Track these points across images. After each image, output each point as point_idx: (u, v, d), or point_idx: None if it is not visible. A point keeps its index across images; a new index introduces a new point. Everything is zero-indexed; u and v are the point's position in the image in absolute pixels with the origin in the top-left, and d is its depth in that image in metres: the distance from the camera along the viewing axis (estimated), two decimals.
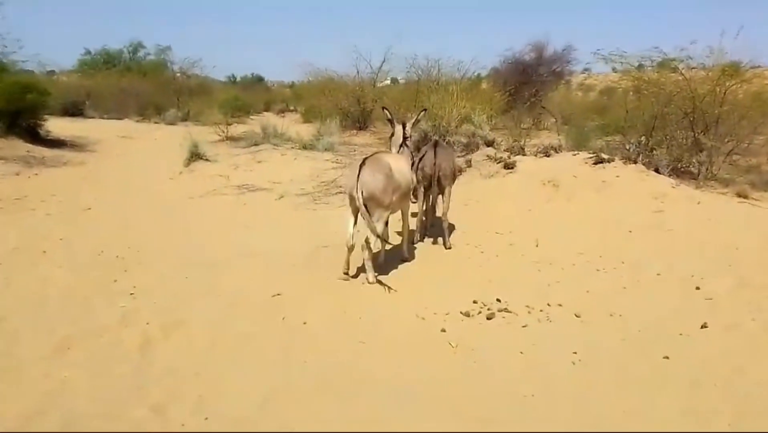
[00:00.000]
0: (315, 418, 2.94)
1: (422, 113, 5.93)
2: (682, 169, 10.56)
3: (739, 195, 8.84)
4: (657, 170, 8.86)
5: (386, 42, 33.16)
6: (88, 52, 29.55)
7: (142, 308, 4.28)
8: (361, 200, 4.62)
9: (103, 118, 21.03)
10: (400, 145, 5.62)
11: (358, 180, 4.66)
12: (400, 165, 5.07)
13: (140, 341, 3.73)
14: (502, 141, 10.48)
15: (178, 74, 27.64)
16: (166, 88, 25.61)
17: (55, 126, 15.13)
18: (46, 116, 14.10)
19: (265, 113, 29.59)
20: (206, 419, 2.86)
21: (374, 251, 5.13)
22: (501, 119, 18.76)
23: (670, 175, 9.62)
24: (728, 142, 10.55)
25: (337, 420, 2.93)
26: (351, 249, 4.89)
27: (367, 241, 4.84)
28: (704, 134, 10.47)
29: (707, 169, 10.42)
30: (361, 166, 4.75)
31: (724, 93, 10.43)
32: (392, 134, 5.74)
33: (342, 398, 3.13)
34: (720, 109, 10.38)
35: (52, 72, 30.47)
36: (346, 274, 4.98)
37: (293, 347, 3.72)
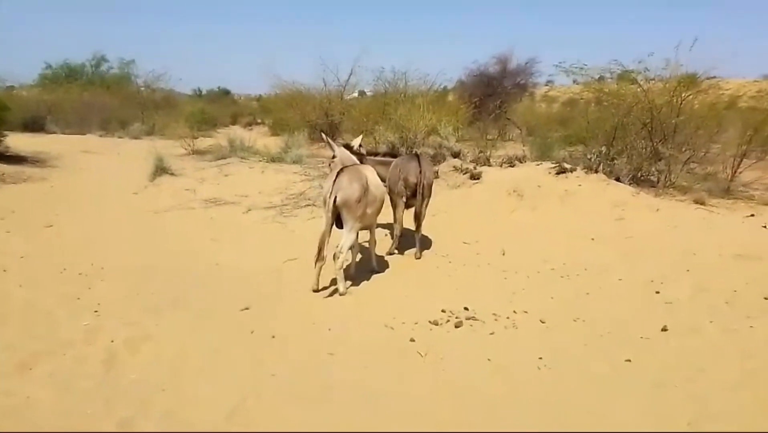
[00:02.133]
0: (283, 427, 2.94)
1: (360, 137, 6.21)
2: (642, 177, 10.86)
3: (696, 202, 9.12)
4: (618, 179, 9.12)
5: (354, 54, 33.21)
6: (49, 66, 28.88)
7: (107, 324, 4.20)
8: (331, 205, 4.67)
9: (65, 133, 20.53)
10: (360, 162, 5.69)
11: (333, 185, 4.72)
12: (376, 180, 5.16)
13: (105, 357, 3.67)
14: (468, 152, 10.65)
15: (143, 88, 27.27)
16: (131, 102, 25.22)
17: (15, 142, 14.70)
18: (5, 132, 13.70)
19: (232, 126, 29.38)
20: None
21: (347, 263, 5.16)
22: (467, 131, 19.05)
23: (630, 184, 9.89)
24: (685, 151, 10.88)
25: (307, 428, 2.93)
26: (323, 261, 4.90)
27: (334, 257, 4.86)
28: (662, 144, 10.80)
29: (666, 178, 10.73)
30: (339, 174, 4.83)
31: (681, 103, 10.80)
32: (333, 157, 5.76)
33: (311, 408, 3.13)
34: (677, 119, 10.72)
35: (11, 87, 29.75)
36: (317, 289, 4.98)
37: (262, 359, 3.71)
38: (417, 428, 2.99)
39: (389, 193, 6.39)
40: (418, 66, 23.93)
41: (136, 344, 3.85)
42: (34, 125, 19.71)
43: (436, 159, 9.45)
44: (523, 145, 15.78)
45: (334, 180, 4.79)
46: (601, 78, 12.57)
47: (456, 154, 9.68)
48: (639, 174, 10.86)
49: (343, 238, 4.85)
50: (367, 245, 5.71)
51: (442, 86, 21.54)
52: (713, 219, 7.60)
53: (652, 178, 10.82)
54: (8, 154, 13.42)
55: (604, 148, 10.63)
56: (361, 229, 5.19)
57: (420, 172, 6.13)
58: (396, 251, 6.37)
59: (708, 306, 4.71)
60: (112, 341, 3.91)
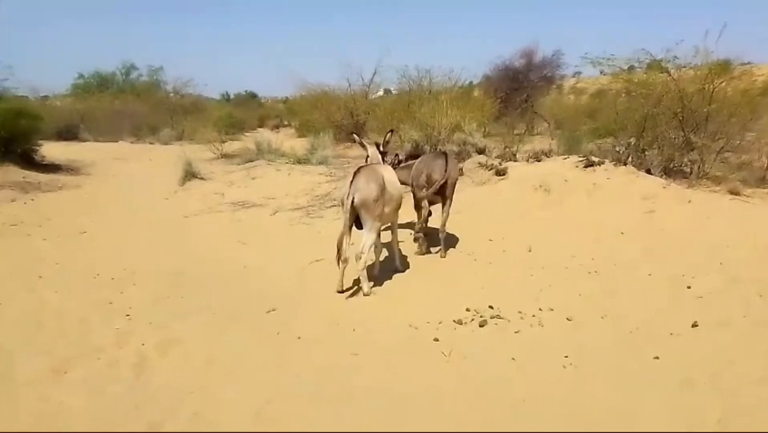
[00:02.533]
0: (309, 427, 2.97)
1: (389, 134, 6.03)
2: (675, 168, 10.63)
3: (731, 192, 8.89)
4: (648, 171, 8.94)
5: (377, 53, 33.32)
6: (81, 76, 29.73)
7: (138, 328, 4.30)
8: (348, 206, 4.69)
9: (97, 140, 21.08)
10: (383, 160, 5.71)
11: (351, 186, 4.74)
12: (392, 178, 5.17)
13: (136, 360, 3.76)
14: (494, 148, 10.56)
15: (171, 94, 27.82)
16: (160, 108, 25.76)
17: (50, 151, 15.17)
18: (40, 141, 14.13)
19: (260, 129, 29.76)
20: None
21: (369, 262, 5.17)
22: (494, 126, 18.93)
23: (662, 176, 9.69)
24: (718, 140, 10.60)
25: (331, 429, 2.96)
26: (345, 262, 4.91)
27: (357, 257, 4.89)
28: (694, 133, 10.54)
29: (699, 168, 10.48)
30: (355, 174, 4.86)
31: (712, 91, 10.52)
32: (367, 156, 5.76)
33: (336, 408, 3.16)
34: (708, 107, 10.46)
35: (46, 97, 30.68)
36: (341, 289, 4.99)
37: (287, 360, 3.76)
38: (439, 428, 2.99)
39: (413, 191, 6.39)
40: (443, 62, 23.86)
41: (166, 348, 3.93)
42: (67, 134, 20.29)
43: (461, 156, 9.39)
44: (552, 139, 15.58)
45: (351, 181, 4.81)
46: (631, 68, 12.32)
47: (481, 151, 9.61)
48: (671, 165, 10.63)
49: (364, 238, 4.87)
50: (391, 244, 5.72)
51: (467, 82, 21.51)
52: (747, 209, 7.39)
53: (684, 169, 10.58)
54: (44, 162, 13.86)
55: (633, 140, 10.44)
56: (382, 228, 5.20)
57: (445, 170, 6.10)
58: (425, 251, 6.33)
59: (740, 299, 4.58)
60: (143, 345, 4.00)
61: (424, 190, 6.14)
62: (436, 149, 9.25)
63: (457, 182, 8.63)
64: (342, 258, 4.88)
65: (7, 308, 4.74)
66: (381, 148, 5.80)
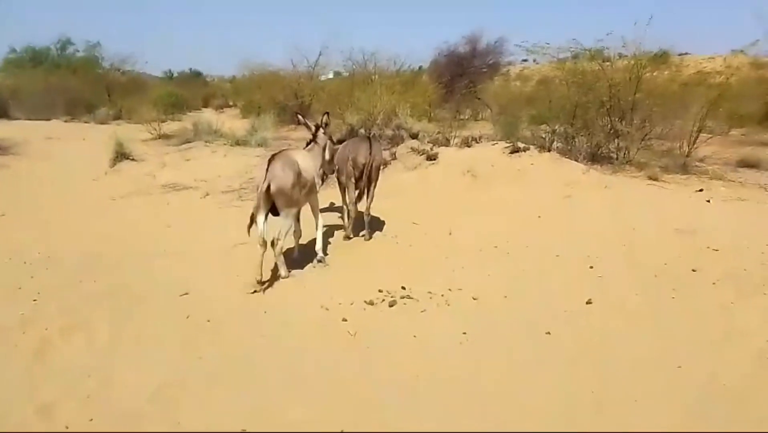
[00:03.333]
0: (204, 410, 3.04)
1: (325, 116, 5.87)
2: (602, 155, 11.09)
3: (650, 178, 9.36)
4: (573, 158, 9.28)
5: (325, 35, 32.97)
6: (13, 50, 28.24)
7: (44, 312, 4.25)
8: (262, 192, 4.68)
9: (29, 119, 20.18)
10: (308, 143, 5.69)
11: (266, 173, 4.72)
12: (306, 162, 5.14)
13: (37, 345, 3.72)
14: (434, 133, 10.71)
15: (108, 70, 26.83)
16: (97, 86, 24.79)
17: None
18: None
19: (204, 109, 29.11)
20: (91, 420, 2.91)
21: (287, 247, 5.18)
22: (440, 111, 19.14)
23: (587, 162, 10.09)
24: (643, 127, 11.10)
25: (225, 411, 3.03)
26: (264, 247, 4.89)
27: (273, 243, 4.89)
28: (621, 121, 11.00)
29: (624, 155, 10.97)
30: (270, 161, 4.81)
31: (638, 81, 10.97)
32: (312, 138, 5.70)
33: (232, 390, 3.23)
34: (634, 96, 10.92)
35: None
36: (260, 281, 4.81)
37: (192, 343, 3.79)
38: (330, 404, 3.10)
39: (338, 175, 6.45)
40: (390, 47, 23.83)
41: (69, 332, 3.90)
42: None
43: (394, 141, 9.52)
44: (493, 125, 15.89)
45: (267, 168, 4.78)
46: (575, 57, 12.62)
47: (414, 136, 9.75)
48: (599, 151, 11.09)
49: (281, 224, 4.87)
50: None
51: (416, 67, 21.62)
52: (661, 195, 7.81)
53: (612, 155, 11.05)
54: None
55: (558, 127, 10.82)
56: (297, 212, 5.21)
57: (370, 153, 6.18)
58: (352, 235, 6.40)
59: (637, 280, 4.88)
60: (46, 329, 3.95)
61: (351, 177, 6.20)
62: (366, 134, 9.34)
63: (389, 166, 8.82)
64: (259, 244, 4.88)
65: None
66: (323, 130, 5.74)
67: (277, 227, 4.88)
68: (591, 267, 5.22)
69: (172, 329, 4.00)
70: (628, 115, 11.08)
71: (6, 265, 5.44)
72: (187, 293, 4.69)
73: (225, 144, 13.19)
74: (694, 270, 4.99)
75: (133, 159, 11.65)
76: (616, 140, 11.01)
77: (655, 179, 9.23)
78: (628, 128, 10.82)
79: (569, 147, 10.93)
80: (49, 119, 20.42)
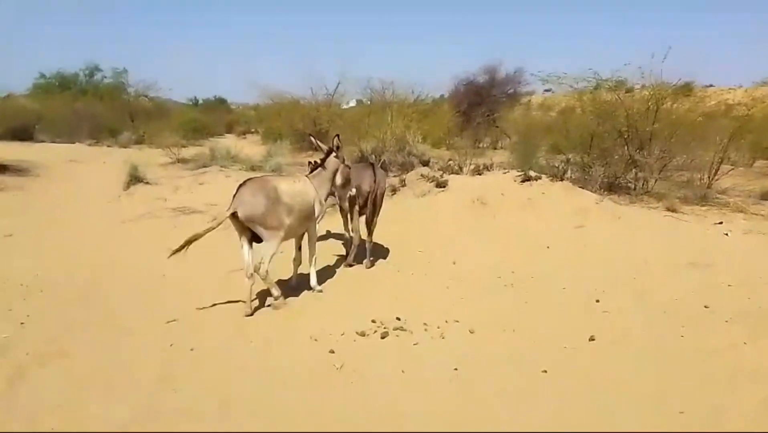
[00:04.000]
0: None
1: (336, 139, 5.60)
2: (620, 184, 10.84)
3: (667, 209, 9.07)
4: (584, 187, 9.06)
5: (343, 64, 33.22)
6: (43, 76, 29.08)
7: (28, 337, 4.17)
8: (226, 216, 4.54)
9: (54, 141, 20.66)
10: (313, 168, 5.49)
11: (233, 199, 4.57)
12: (295, 188, 4.94)
13: (12, 372, 3.62)
14: (448, 160, 10.60)
15: (133, 96, 27.43)
16: (121, 111, 25.32)
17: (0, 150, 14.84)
18: None
19: (227, 135, 29.53)
20: None
21: (271, 278, 4.87)
22: (459, 139, 19.07)
23: (603, 191, 9.87)
24: (661, 158, 10.84)
25: None
26: (251, 278, 4.73)
27: (255, 269, 4.71)
28: (638, 151, 10.76)
29: (643, 185, 10.71)
30: (240, 187, 4.67)
31: (656, 111, 10.77)
32: (323, 159, 5.51)
33: (203, 425, 3.08)
34: (652, 127, 10.70)
35: (11, 95, 29.96)
36: (248, 313, 4.69)
37: (171, 374, 3.65)
38: None
39: (340, 202, 6.34)
40: (408, 75, 23.87)
41: (48, 359, 3.80)
42: (22, 134, 19.78)
43: (405, 167, 9.43)
44: (512, 154, 15.74)
45: (236, 192, 4.67)
46: (598, 87, 12.43)
47: (425, 163, 9.65)
48: (616, 181, 10.85)
49: (264, 249, 4.69)
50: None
51: (437, 96, 21.61)
52: (678, 226, 7.55)
53: (629, 185, 10.80)
54: None
55: (572, 156, 10.63)
56: (288, 239, 5.04)
57: (374, 181, 6.08)
58: (353, 263, 6.26)
59: (644, 315, 4.65)
60: (27, 354, 3.86)
61: (354, 204, 6.07)
62: (370, 160, 9.26)
63: (398, 193, 8.72)
64: (246, 275, 4.73)
65: None
66: (335, 153, 5.50)
67: (260, 253, 4.70)
68: (597, 301, 4.99)
69: (153, 359, 3.87)
70: (646, 145, 10.85)
71: (2, 285, 5.40)
72: (175, 320, 4.58)
73: (240, 169, 13.27)
74: (706, 306, 4.74)
75: (147, 182, 11.73)
76: (633, 170, 10.78)
77: (673, 210, 8.94)
78: (646, 158, 10.58)
79: (586, 176, 10.71)
80: (73, 143, 20.88)
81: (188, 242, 4.60)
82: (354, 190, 5.92)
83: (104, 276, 5.83)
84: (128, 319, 4.59)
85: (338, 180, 5.59)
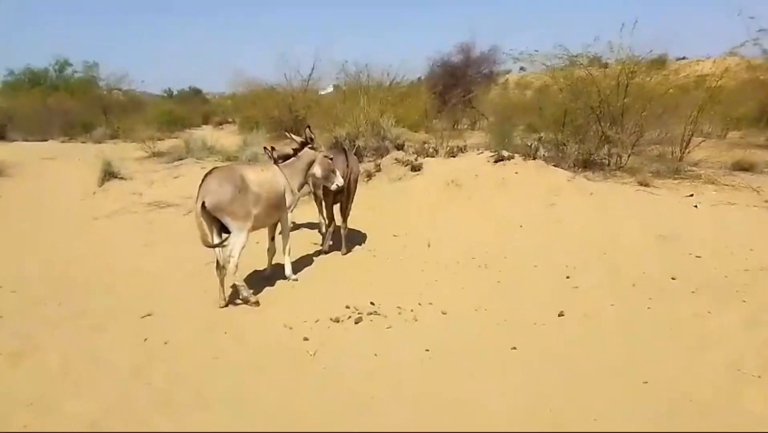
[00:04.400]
0: None
1: (308, 130, 5.53)
2: (594, 161, 10.94)
3: (640, 184, 9.19)
4: (557, 165, 9.14)
5: (317, 48, 32.80)
6: (11, 72, 28.46)
7: (1, 335, 4.14)
8: (199, 211, 4.51)
9: (26, 140, 20.26)
10: (285, 158, 5.34)
11: (200, 189, 4.53)
12: (263, 176, 4.89)
13: None
14: (424, 143, 10.59)
15: (105, 90, 26.98)
16: (95, 106, 24.89)
17: None
18: None
19: (204, 126, 29.17)
20: None
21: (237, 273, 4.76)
22: (437, 122, 19.07)
23: (581, 168, 9.97)
24: (633, 133, 10.96)
25: None
26: (222, 270, 4.72)
27: (222, 264, 4.70)
28: (611, 127, 10.86)
29: (617, 161, 10.82)
30: (206, 176, 4.62)
31: (626, 86, 10.85)
32: (294, 150, 5.40)
33: (176, 416, 3.10)
34: (623, 102, 10.79)
35: None
36: (222, 305, 4.70)
37: (144, 367, 3.67)
38: (280, 427, 2.98)
39: (314, 189, 6.34)
40: (384, 60, 23.57)
41: (20, 357, 3.78)
42: None
43: (379, 152, 9.43)
44: (487, 134, 15.79)
45: (201, 182, 4.63)
46: (574, 63, 12.43)
47: (399, 147, 9.65)
48: (590, 158, 10.94)
49: (232, 242, 4.63)
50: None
51: (413, 79, 21.49)
52: (649, 200, 7.66)
53: (604, 161, 10.91)
54: None
55: (544, 134, 10.72)
56: (257, 229, 5.01)
57: (347, 166, 6.08)
58: (327, 249, 6.27)
59: (614, 289, 4.75)
60: (0, 353, 3.84)
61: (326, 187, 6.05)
62: (353, 145, 9.27)
63: (373, 178, 8.73)
64: (217, 267, 4.72)
65: None
66: (310, 145, 5.44)
67: (228, 246, 4.64)
68: (568, 277, 5.08)
69: (127, 353, 3.87)
70: (618, 121, 10.95)
71: None
72: (150, 315, 4.58)
73: (216, 160, 13.15)
74: (673, 278, 4.86)
75: (122, 178, 11.59)
76: (607, 146, 10.88)
77: (646, 185, 9.06)
78: (618, 134, 10.68)
79: (560, 154, 10.79)
80: (46, 140, 20.50)
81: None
82: (336, 183, 5.71)
83: (78, 273, 5.80)
84: (101, 316, 4.57)
85: (318, 172, 5.50)
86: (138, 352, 3.91)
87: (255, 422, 3.05)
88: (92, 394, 3.33)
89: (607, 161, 10.82)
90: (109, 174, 11.46)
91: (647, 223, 6.43)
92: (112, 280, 5.58)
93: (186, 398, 3.29)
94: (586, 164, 10.66)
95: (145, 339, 4.10)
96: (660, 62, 12.79)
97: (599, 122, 10.94)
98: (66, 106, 23.68)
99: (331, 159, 5.66)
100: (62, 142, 20.71)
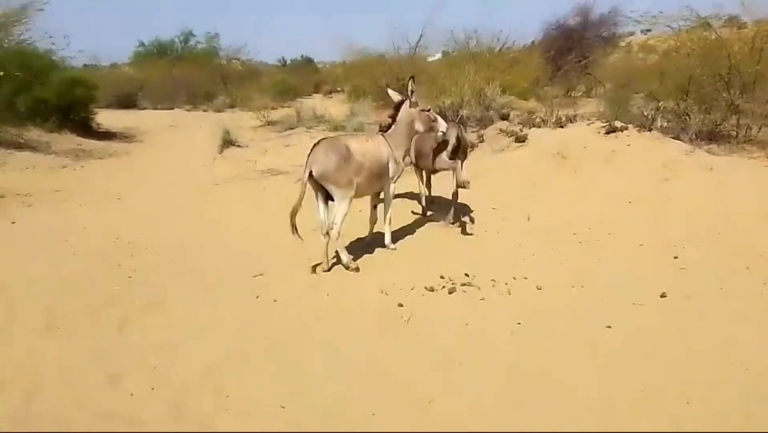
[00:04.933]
0: (250, 384, 3.24)
1: (410, 82, 5.32)
2: (720, 133, 10.12)
3: None
4: (678, 137, 8.58)
5: (428, 14, 32.39)
6: (142, 44, 30.90)
7: (135, 288, 4.69)
8: (306, 179, 4.76)
9: (155, 108, 22.11)
10: (385, 128, 5.40)
11: (308, 158, 4.78)
12: (366, 146, 5.05)
13: (121, 317, 4.13)
14: (517, 114, 10.32)
15: (224, 61, 28.53)
16: (215, 76, 26.48)
17: (108, 118, 16.15)
18: (96, 109, 15.01)
19: (315, 95, 30.11)
20: (152, 389, 3.22)
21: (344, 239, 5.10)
22: (550, 89, 18.40)
23: (704, 141, 9.30)
24: (767, 103, 9.98)
25: (269, 386, 3.22)
26: (327, 235, 5.00)
27: (329, 229, 4.95)
28: (741, 96, 9.96)
29: (746, 133, 9.95)
30: (314, 147, 4.86)
31: (761, 51, 9.86)
32: (394, 110, 5.37)
33: (279, 367, 3.41)
34: (756, 68, 9.83)
35: (115, 65, 32.18)
36: (325, 269, 4.97)
37: (254, 322, 4.03)
38: (370, 385, 3.19)
39: (416, 161, 6.41)
40: (496, 22, 22.91)
41: (151, 309, 4.29)
42: (127, 102, 21.33)
43: (483, 122, 9.33)
44: (601, 103, 15.04)
45: (310, 153, 4.86)
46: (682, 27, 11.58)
47: (505, 117, 9.49)
48: (716, 129, 10.13)
49: (335, 209, 4.89)
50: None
51: (526, 43, 20.76)
52: None
53: (732, 133, 10.07)
54: (99, 130, 14.73)
55: (665, 103, 10.01)
56: (360, 197, 5.19)
57: (459, 134, 6.05)
58: (450, 222, 6.22)
59: (725, 271, 4.51)
60: (133, 304, 4.37)
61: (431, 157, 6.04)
62: (457, 114, 9.23)
63: (476, 149, 8.68)
64: (322, 233, 5.01)
65: (25, 265, 5.23)
66: (409, 102, 5.31)
67: (332, 213, 4.93)
68: (675, 257, 4.87)
69: (241, 307, 4.27)
70: (750, 89, 10.00)
71: (113, 244, 6.02)
72: (261, 274, 4.96)
73: (325, 130, 13.63)
74: None
75: (239, 146, 12.39)
76: (735, 117, 10.00)
77: None
78: (749, 103, 9.78)
79: (681, 125, 10.08)
80: (172, 108, 22.22)
81: (293, 218, 4.85)
82: (441, 134, 5.49)
83: (200, 234, 6.36)
84: (218, 273, 5.02)
85: (420, 127, 5.37)
86: (250, 307, 4.29)
87: (349, 378, 3.28)
88: (210, 343, 3.73)
89: (735, 133, 9.98)
90: (227, 142, 12.27)
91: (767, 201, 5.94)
92: (230, 241, 6.07)
93: (289, 353, 3.59)
94: (710, 136, 9.90)
95: (257, 296, 4.48)
96: None
97: (728, 90, 10.07)
98: (190, 76, 25.41)
99: (428, 110, 5.45)
100: (187, 110, 22.36)
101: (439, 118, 5.48)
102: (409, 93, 5.33)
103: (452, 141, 5.49)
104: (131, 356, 3.57)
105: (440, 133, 5.46)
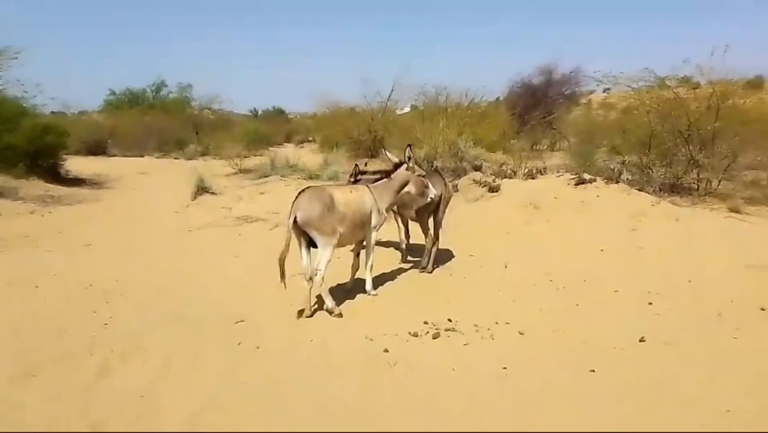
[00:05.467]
0: (236, 429, 3.18)
1: (408, 149, 5.69)
2: (682, 186, 10.57)
3: (730, 210, 8.82)
4: (641, 189, 8.93)
5: (397, 70, 33.39)
6: (113, 93, 30.96)
7: (112, 336, 4.58)
8: (290, 226, 4.82)
9: (125, 155, 21.95)
10: (377, 179, 5.63)
11: (292, 206, 4.87)
12: (350, 197, 5.18)
13: (100, 365, 4.02)
14: (489, 166, 10.64)
15: (196, 110, 28.71)
16: (187, 124, 26.56)
17: (77, 165, 15.98)
18: (65, 156, 14.86)
19: (286, 144, 30.42)
20: None
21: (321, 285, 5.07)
22: (516, 143, 18.99)
23: (667, 193, 9.69)
24: (725, 158, 10.51)
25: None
26: (310, 281, 5.01)
27: (312, 275, 4.98)
28: (700, 151, 10.47)
29: (706, 185, 10.42)
30: (299, 194, 4.97)
31: (717, 110, 10.45)
32: (389, 171, 5.66)
33: (266, 415, 3.35)
34: (713, 126, 10.39)
35: (83, 112, 31.98)
36: (308, 315, 4.98)
37: (238, 368, 3.97)
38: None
39: (399, 210, 6.53)
40: (464, 80, 23.75)
41: (129, 355, 4.19)
42: (96, 149, 21.15)
43: (457, 173, 9.56)
44: (568, 156, 15.58)
45: (294, 200, 4.96)
46: (664, 84, 12.13)
47: (477, 168, 9.76)
48: (678, 182, 10.58)
49: (319, 256, 4.96)
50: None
51: (492, 99, 21.51)
52: (738, 228, 7.37)
53: (692, 186, 10.53)
54: (68, 177, 14.53)
55: (629, 158, 10.46)
56: (343, 245, 5.29)
57: (444, 185, 6.28)
58: (432, 268, 6.34)
59: (697, 318, 4.65)
60: (112, 351, 4.26)
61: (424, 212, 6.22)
62: (432, 167, 9.45)
63: (450, 198, 8.86)
64: (305, 279, 5.02)
65: None
66: (406, 165, 5.63)
67: (316, 260, 4.99)
68: (650, 303, 5.02)
69: (223, 355, 4.20)
70: (708, 145, 10.54)
71: (85, 291, 5.89)
72: (242, 321, 4.91)
73: (299, 178, 13.72)
74: (763, 309, 4.69)
75: (212, 192, 12.36)
76: (695, 171, 10.49)
77: (736, 211, 8.69)
78: (708, 158, 10.29)
79: (645, 178, 10.51)
80: (142, 156, 22.09)
81: (281, 264, 4.86)
82: (430, 197, 5.85)
83: (175, 280, 6.27)
84: (198, 320, 4.94)
85: (413, 190, 5.67)
86: (233, 354, 4.23)
87: (339, 423, 3.25)
88: (193, 391, 3.65)
89: (695, 186, 10.45)
90: (201, 189, 12.23)
91: (736, 251, 6.18)
92: (207, 288, 6.00)
93: (275, 400, 3.54)
94: (672, 189, 10.34)
95: (239, 343, 4.42)
96: (756, 84, 12.21)
97: (688, 146, 10.59)
98: (161, 124, 25.48)
99: (424, 176, 5.81)
100: (157, 158, 22.23)
101: (430, 185, 5.81)
102: (407, 158, 5.65)
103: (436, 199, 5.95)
104: (113, 405, 3.47)
105: (429, 199, 5.83)
